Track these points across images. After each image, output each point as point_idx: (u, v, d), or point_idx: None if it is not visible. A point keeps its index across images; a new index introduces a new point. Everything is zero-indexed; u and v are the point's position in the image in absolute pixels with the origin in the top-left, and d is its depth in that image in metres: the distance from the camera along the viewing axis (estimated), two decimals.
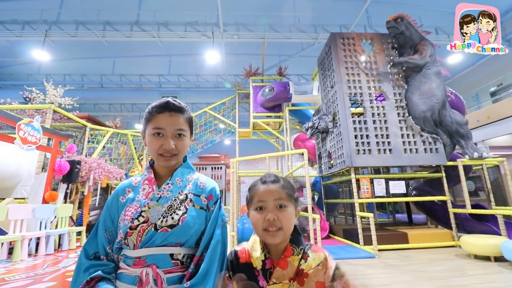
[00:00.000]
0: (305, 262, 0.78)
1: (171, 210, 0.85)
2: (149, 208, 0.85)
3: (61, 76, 13.61)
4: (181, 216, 0.84)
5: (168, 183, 0.91)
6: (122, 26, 9.90)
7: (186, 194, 0.90)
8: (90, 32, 9.64)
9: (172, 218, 0.83)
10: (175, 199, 0.87)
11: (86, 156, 5.62)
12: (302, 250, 0.80)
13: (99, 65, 13.20)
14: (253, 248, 0.86)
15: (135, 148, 9.07)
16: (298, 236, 0.84)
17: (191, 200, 0.89)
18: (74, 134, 6.80)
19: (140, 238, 0.82)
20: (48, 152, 4.18)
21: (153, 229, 0.82)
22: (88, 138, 6.45)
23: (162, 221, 0.83)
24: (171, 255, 0.83)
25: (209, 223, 0.88)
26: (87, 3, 9.73)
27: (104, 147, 7.07)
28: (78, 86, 13.68)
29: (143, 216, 0.83)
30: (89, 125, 6.28)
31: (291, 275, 0.76)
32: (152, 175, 0.94)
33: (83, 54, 12.20)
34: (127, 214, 0.85)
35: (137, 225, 0.82)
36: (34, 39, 9.82)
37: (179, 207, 0.86)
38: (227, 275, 0.86)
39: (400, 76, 5.65)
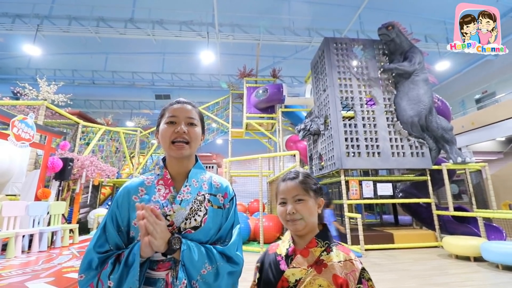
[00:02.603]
0: (327, 254, 0.83)
1: (193, 212, 0.86)
2: (174, 212, 0.84)
3: (52, 71, 13.35)
4: (203, 217, 0.87)
5: (186, 185, 0.91)
6: (116, 23, 9.81)
7: (203, 195, 0.92)
8: (83, 28, 9.51)
9: (195, 220, 0.85)
10: (195, 201, 0.89)
11: (78, 153, 5.59)
12: (326, 244, 0.86)
13: (91, 61, 13.00)
14: (283, 240, 0.96)
15: (127, 146, 9.02)
16: (326, 232, 0.91)
17: (209, 201, 0.91)
18: (66, 131, 6.73)
19: None
20: (41, 149, 4.17)
21: (177, 232, 0.83)
22: (80, 136, 6.40)
23: (186, 224, 0.84)
24: None
25: (227, 222, 0.92)
26: None
27: (95, 144, 7.03)
28: (69, 81, 13.44)
29: (168, 220, 0.83)
30: (82, 122, 6.24)
31: (310, 263, 0.82)
32: (168, 175, 0.94)
33: (74, 49, 12.00)
34: None
35: None
36: (25, 33, 9.62)
37: (199, 208, 0.88)
38: (257, 265, 0.96)
39: (390, 82, 5.84)
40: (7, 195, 4.14)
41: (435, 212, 5.36)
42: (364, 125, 5.45)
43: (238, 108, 11.82)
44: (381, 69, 5.78)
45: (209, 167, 13.85)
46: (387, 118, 5.55)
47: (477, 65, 11.02)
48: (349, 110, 5.90)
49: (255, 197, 8.42)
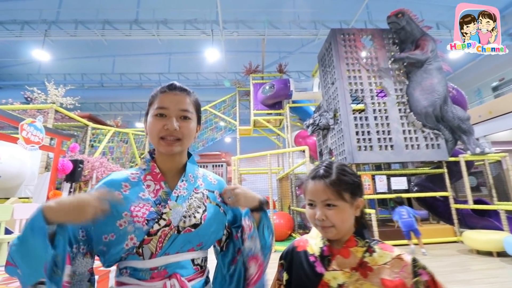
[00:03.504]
0: (370, 255, 0.72)
1: (192, 209, 0.78)
2: (170, 209, 0.74)
3: (61, 76, 13.60)
4: (202, 214, 0.79)
5: (183, 180, 0.82)
6: (122, 25, 9.87)
7: (201, 191, 0.84)
8: (89, 31, 9.62)
9: (195, 217, 0.77)
10: (191, 197, 0.80)
11: (88, 155, 5.64)
12: (367, 244, 0.75)
13: (99, 64, 13.18)
14: (312, 236, 0.85)
15: (136, 146, 9.09)
16: (363, 229, 0.79)
17: (207, 197, 0.84)
18: (76, 134, 6.81)
19: (161, 245, 0.71)
20: (51, 151, 4.20)
21: (175, 232, 0.73)
22: (90, 138, 6.46)
23: (185, 222, 0.75)
24: (192, 260, 0.77)
25: (234, 216, 0.90)
26: (86, 2, 9.69)
27: (105, 145, 7.10)
28: (79, 85, 13.67)
29: (164, 219, 0.72)
30: (91, 124, 6.29)
31: (353, 265, 0.71)
32: (157, 169, 0.83)
33: (83, 53, 12.18)
34: (137, 215, 0.71)
35: (158, 230, 0.71)
36: (33, 39, 9.80)
37: (198, 205, 0.80)
38: (281, 262, 0.87)
39: (401, 72, 5.63)
40: (19, 198, 4.21)
41: (454, 206, 5.15)
42: (375, 118, 5.27)
43: (245, 105, 11.73)
44: (392, 59, 5.57)
45: (219, 165, 13.86)
46: (400, 110, 5.36)
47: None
48: (359, 102, 5.73)
49: (265, 195, 8.33)
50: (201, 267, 0.80)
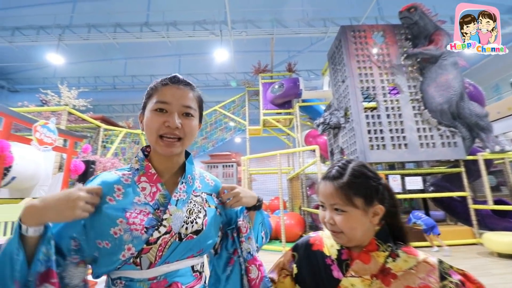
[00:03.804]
0: (393, 261, 0.65)
1: (193, 214, 0.72)
2: (171, 215, 0.68)
3: (76, 79, 13.96)
4: (204, 219, 0.74)
5: (183, 183, 0.75)
6: (132, 28, 10.03)
7: (200, 195, 0.78)
8: (101, 34, 9.82)
9: (197, 222, 0.71)
10: (191, 201, 0.74)
11: (100, 156, 5.74)
12: (389, 248, 0.68)
13: (111, 67, 13.45)
14: (328, 236, 0.78)
15: None
16: (385, 231, 0.71)
17: (206, 200, 0.79)
18: (89, 135, 6.94)
19: (161, 254, 0.66)
20: (64, 152, 4.28)
21: (177, 239, 0.68)
22: (102, 139, 6.57)
23: (187, 228, 0.69)
24: (192, 267, 0.73)
25: (229, 217, 0.87)
26: (98, 6, 9.93)
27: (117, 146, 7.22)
28: (92, 88, 14.00)
29: (164, 226, 0.66)
30: (103, 125, 6.40)
31: (374, 271, 0.65)
32: (153, 169, 0.74)
33: (95, 56, 12.45)
34: (134, 223, 0.64)
35: (158, 238, 0.65)
36: (48, 43, 10.10)
37: (199, 209, 0.74)
38: (292, 253, 0.83)
39: (415, 68, 5.46)
40: (33, 198, 4.31)
41: (472, 207, 4.94)
42: (388, 116, 5.12)
43: (255, 105, 11.69)
44: (405, 55, 5.41)
45: (229, 166, 13.88)
46: (414, 107, 5.19)
47: (509, 46, 10.11)
48: (371, 100, 5.59)
49: (275, 195, 8.28)
50: (200, 273, 0.77)
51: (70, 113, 5.10)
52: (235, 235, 0.83)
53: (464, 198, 5.11)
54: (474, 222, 4.88)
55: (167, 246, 0.66)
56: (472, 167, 5.19)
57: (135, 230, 0.64)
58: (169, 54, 12.70)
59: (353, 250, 0.71)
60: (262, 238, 0.91)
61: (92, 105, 6.71)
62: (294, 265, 0.78)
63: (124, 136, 7.69)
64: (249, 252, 0.80)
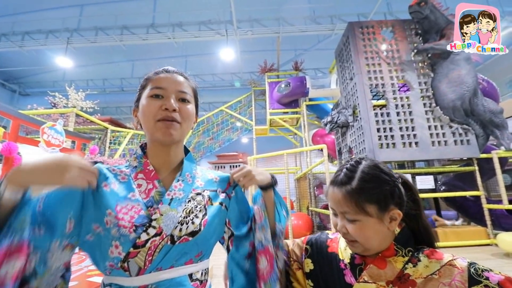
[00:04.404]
0: (413, 266, 0.58)
1: (189, 213, 0.66)
2: (161, 215, 0.62)
3: (84, 82, 14.18)
4: (202, 219, 0.67)
5: (178, 180, 0.70)
6: (139, 30, 10.11)
7: (200, 192, 0.72)
8: (108, 37, 9.93)
9: (193, 223, 0.65)
10: (189, 200, 0.68)
11: (107, 157, 5.79)
12: (410, 253, 0.61)
13: (119, 69, 13.61)
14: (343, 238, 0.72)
15: None
16: (407, 235, 0.64)
17: (209, 198, 0.72)
18: (97, 137, 7.02)
19: (151, 258, 0.60)
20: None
21: (169, 242, 0.62)
22: (110, 140, 6.64)
23: (181, 230, 0.63)
24: (190, 275, 0.65)
25: (242, 209, 0.79)
26: (105, 9, 10.02)
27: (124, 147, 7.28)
28: (100, 90, 14.21)
29: (154, 227, 0.61)
30: (110, 127, 6.46)
31: (390, 278, 0.58)
32: (151, 166, 0.71)
33: (103, 59, 12.61)
34: (123, 218, 0.60)
35: (147, 240, 0.60)
36: (57, 47, 10.27)
37: (198, 209, 0.68)
38: (306, 246, 0.78)
39: (426, 64, 5.30)
40: None
41: (486, 206, 4.78)
42: (398, 113, 5.00)
43: (261, 105, 11.64)
44: (415, 51, 5.26)
45: (236, 166, 13.88)
46: (424, 104, 5.04)
47: None
48: (380, 98, 5.46)
49: (282, 195, 8.18)
50: (201, 282, 0.68)
51: (78, 115, 5.16)
52: (252, 225, 0.77)
53: (477, 198, 4.95)
54: (488, 222, 4.71)
55: (157, 250, 0.60)
56: (485, 166, 5.02)
57: (123, 227, 0.59)
58: (175, 56, 12.76)
59: (367, 254, 0.65)
60: (284, 217, 0.83)
61: (101, 107, 6.79)
62: (308, 260, 0.73)
63: (132, 137, 7.76)
64: (261, 242, 0.73)
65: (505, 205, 4.62)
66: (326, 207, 5.80)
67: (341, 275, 0.65)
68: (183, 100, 0.72)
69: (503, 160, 5.20)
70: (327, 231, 0.81)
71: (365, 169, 0.63)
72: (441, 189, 5.77)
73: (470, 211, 5.34)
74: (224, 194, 0.77)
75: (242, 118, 10.41)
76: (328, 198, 0.67)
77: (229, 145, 10.94)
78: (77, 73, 13.47)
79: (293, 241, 0.80)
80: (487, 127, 4.98)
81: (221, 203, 0.75)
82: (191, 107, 0.74)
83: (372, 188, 0.60)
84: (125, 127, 9.38)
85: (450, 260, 0.58)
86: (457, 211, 5.89)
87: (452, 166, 5.64)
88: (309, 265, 0.73)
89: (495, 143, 5.25)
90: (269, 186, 0.78)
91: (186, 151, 0.81)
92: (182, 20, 10.10)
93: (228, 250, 0.77)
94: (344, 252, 0.69)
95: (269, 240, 0.74)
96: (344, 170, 0.65)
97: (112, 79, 14.51)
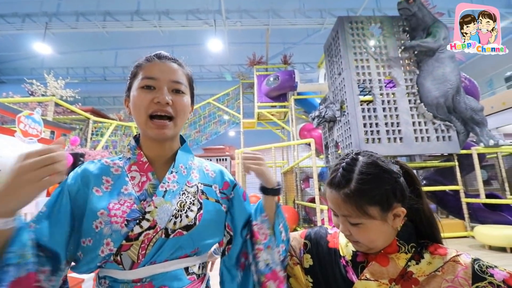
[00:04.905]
0: (416, 264, 0.57)
1: (183, 207, 0.64)
2: (156, 207, 0.60)
3: (64, 70, 13.54)
4: (197, 213, 0.64)
5: (172, 172, 0.67)
6: (123, 16, 9.68)
7: (195, 185, 0.69)
8: (90, 23, 9.46)
9: (187, 216, 0.63)
10: (184, 193, 0.66)
11: (89, 148, 5.58)
12: (413, 249, 0.59)
13: (101, 57, 13.07)
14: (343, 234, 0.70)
15: None
16: (410, 230, 0.62)
17: (203, 192, 0.69)
18: (78, 127, 6.74)
19: (144, 252, 0.58)
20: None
21: (163, 236, 0.60)
22: (92, 131, 6.39)
23: (175, 223, 0.61)
24: (186, 269, 0.63)
25: (239, 214, 0.74)
26: None
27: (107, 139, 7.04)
28: (81, 79, 13.62)
29: (147, 220, 0.59)
30: (92, 117, 6.21)
31: (393, 275, 0.56)
32: (144, 158, 0.68)
33: (85, 46, 12.06)
34: (115, 215, 0.58)
35: (140, 233, 0.58)
36: (35, 32, 9.70)
37: (192, 201, 0.65)
38: (304, 241, 0.74)
39: (412, 61, 5.40)
40: None
41: (465, 200, 4.98)
42: (384, 109, 5.08)
43: (249, 98, 11.56)
44: (402, 47, 5.34)
45: (223, 159, 13.80)
46: (410, 101, 5.15)
47: (507, 40, 10.15)
48: (367, 94, 5.53)
49: None
50: (199, 276, 0.66)
51: (57, 104, 4.90)
52: (247, 237, 0.72)
53: (456, 192, 5.14)
54: (466, 215, 4.92)
55: (151, 243, 0.59)
56: (465, 161, 5.21)
57: (115, 223, 0.58)
58: (161, 45, 12.36)
59: (369, 251, 0.63)
60: (282, 240, 0.74)
61: (82, 97, 6.50)
62: (308, 256, 0.71)
63: (115, 129, 7.50)
64: (268, 265, 0.67)
65: (483, 199, 4.83)
66: (311, 200, 5.86)
67: (343, 272, 0.63)
68: (177, 91, 0.68)
69: (481, 156, 5.41)
70: (326, 225, 0.78)
71: (363, 169, 0.58)
72: (423, 184, 5.95)
73: (449, 205, 5.55)
74: (223, 195, 0.74)
75: (229, 111, 10.30)
76: (327, 198, 0.64)
77: (216, 138, 10.82)
78: (56, 60, 12.82)
79: (291, 235, 0.77)
80: (468, 124, 5.15)
81: (220, 203, 0.72)
82: (186, 99, 0.70)
83: (372, 189, 0.56)
84: (108, 118, 9.06)
85: (453, 256, 0.56)
86: (437, 204, 6.11)
87: (433, 161, 5.82)
88: (308, 260, 0.70)
89: (474, 140, 5.45)
90: (273, 191, 0.73)
91: (183, 141, 0.77)
92: (169, 7, 9.76)
93: (223, 254, 0.74)
94: (345, 248, 0.67)
95: (277, 263, 0.68)
96: (341, 170, 0.60)
97: (94, 68, 13.94)
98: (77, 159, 4.51)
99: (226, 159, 13.91)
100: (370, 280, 0.58)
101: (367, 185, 0.57)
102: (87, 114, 6.00)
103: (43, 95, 5.39)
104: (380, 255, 0.60)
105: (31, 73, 13.51)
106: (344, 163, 0.61)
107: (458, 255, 0.56)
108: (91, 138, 6.09)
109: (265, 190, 0.74)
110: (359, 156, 0.62)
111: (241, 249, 0.72)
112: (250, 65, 9.55)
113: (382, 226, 0.58)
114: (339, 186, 0.58)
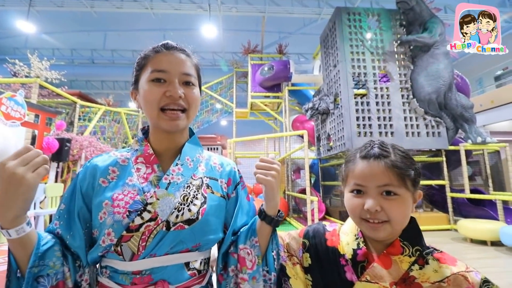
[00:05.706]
0: (420, 269, 0.56)
1: (186, 200, 0.62)
2: (158, 199, 0.60)
3: (50, 51, 12.96)
4: (200, 207, 0.63)
5: (177, 164, 0.66)
6: None
7: (201, 178, 0.67)
8: (77, 1, 8.99)
9: (189, 210, 0.61)
10: (188, 186, 0.64)
11: (76, 134, 5.40)
12: (418, 252, 0.58)
13: (89, 39, 12.54)
14: (345, 232, 0.68)
15: (129, 127, 8.81)
16: (415, 231, 0.61)
17: (208, 186, 0.67)
18: (64, 111, 6.51)
19: (144, 244, 0.58)
20: (35, 128, 3.95)
21: (164, 228, 0.59)
22: (79, 116, 6.17)
23: (177, 216, 0.60)
24: (187, 264, 0.62)
25: (236, 213, 0.70)
26: None
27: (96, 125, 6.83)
28: (68, 61, 13.07)
29: (149, 211, 0.59)
30: (79, 101, 5.99)
31: (394, 279, 0.55)
32: (151, 150, 0.67)
33: (72, 27, 11.52)
34: (118, 205, 0.58)
35: (141, 224, 0.58)
36: (18, 9, 9.18)
37: (196, 195, 0.64)
38: (303, 240, 0.71)
39: (407, 55, 5.40)
40: None
41: (450, 195, 5.13)
42: (377, 103, 5.10)
43: (243, 87, 11.41)
44: (398, 42, 5.32)
45: (214, 149, 13.70)
46: (403, 96, 5.18)
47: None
48: (361, 87, 5.52)
49: None
50: (200, 272, 0.64)
51: (42, 87, 4.68)
52: (236, 266, 0.68)
53: (442, 187, 5.28)
54: (450, 209, 5.07)
55: (151, 235, 0.58)
56: (452, 157, 5.33)
57: (117, 214, 0.58)
58: (152, 29, 11.97)
59: (371, 251, 0.61)
60: (274, 260, 0.68)
61: (68, 80, 6.24)
62: (307, 255, 0.69)
63: (103, 114, 7.28)
64: None
65: (468, 194, 4.98)
66: (302, 191, 5.91)
67: (341, 271, 0.62)
68: (188, 83, 0.67)
69: (467, 153, 5.55)
70: (323, 222, 0.76)
71: (396, 147, 0.63)
72: None
73: (434, 199, 5.71)
74: (227, 188, 0.72)
75: (222, 100, 10.15)
76: (354, 173, 0.62)
77: (207, 127, 10.70)
78: (41, 40, 12.24)
79: (288, 234, 0.74)
80: (457, 121, 5.25)
81: (225, 198, 0.70)
82: (196, 91, 0.69)
83: (408, 165, 0.60)
84: (96, 103, 8.78)
85: (463, 271, 0.55)
86: (422, 198, 6.28)
87: (421, 156, 5.93)
88: (307, 259, 0.69)
89: (462, 137, 5.56)
90: (272, 220, 0.66)
91: (192, 134, 0.76)
92: None
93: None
94: (346, 247, 0.65)
95: None
96: (376, 148, 0.62)
97: (82, 50, 13.39)
98: (64, 144, 4.36)
99: (217, 149, 13.83)
100: (371, 282, 0.57)
101: (404, 159, 0.60)
102: (74, 98, 5.78)
103: (26, 76, 5.12)
104: (382, 255, 0.59)
105: (14, 52, 12.86)
106: (376, 142, 0.64)
107: (467, 271, 0.55)
108: (78, 123, 5.89)
109: (264, 215, 0.66)
110: (377, 141, 0.66)
111: (223, 258, 0.70)
112: (245, 54, 9.37)
113: (410, 204, 0.59)
114: (382, 156, 0.60)
